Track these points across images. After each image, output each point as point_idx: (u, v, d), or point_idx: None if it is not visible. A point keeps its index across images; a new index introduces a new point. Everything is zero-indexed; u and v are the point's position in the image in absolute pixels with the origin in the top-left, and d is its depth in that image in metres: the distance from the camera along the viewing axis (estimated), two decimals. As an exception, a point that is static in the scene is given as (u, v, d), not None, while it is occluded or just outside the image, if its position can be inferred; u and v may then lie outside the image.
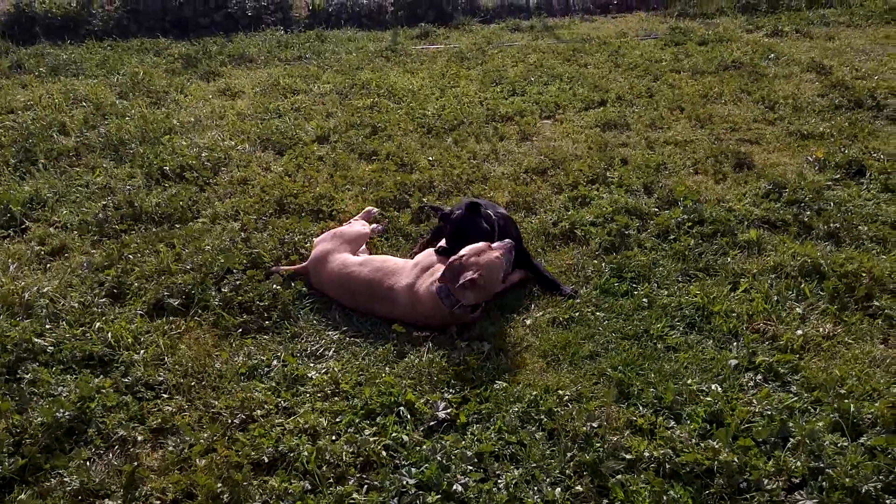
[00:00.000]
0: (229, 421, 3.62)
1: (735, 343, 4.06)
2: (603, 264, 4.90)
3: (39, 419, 3.52)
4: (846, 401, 3.44)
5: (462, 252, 4.30)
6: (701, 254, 4.96)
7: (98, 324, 4.33)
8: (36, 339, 4.13)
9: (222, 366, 4.06)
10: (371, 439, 3.40)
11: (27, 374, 3.91)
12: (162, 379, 3.93)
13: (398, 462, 3.29)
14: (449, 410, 3.58)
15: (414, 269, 4.55)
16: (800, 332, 4.07)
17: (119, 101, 8.94)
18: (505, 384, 3.77)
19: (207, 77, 10.40)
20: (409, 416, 3.55)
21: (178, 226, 5.68)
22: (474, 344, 4.16)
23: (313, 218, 5.76)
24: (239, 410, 3.67)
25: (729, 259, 4.88)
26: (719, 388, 3.62)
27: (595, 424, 3.41)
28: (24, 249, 5.37)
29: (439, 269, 4.42)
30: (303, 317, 4.50)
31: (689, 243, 5.02)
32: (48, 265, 5.19)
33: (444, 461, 3.20)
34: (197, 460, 3.36)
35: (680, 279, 4.72)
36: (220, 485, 3.15)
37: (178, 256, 5.07)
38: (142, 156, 7.00)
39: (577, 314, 4.38)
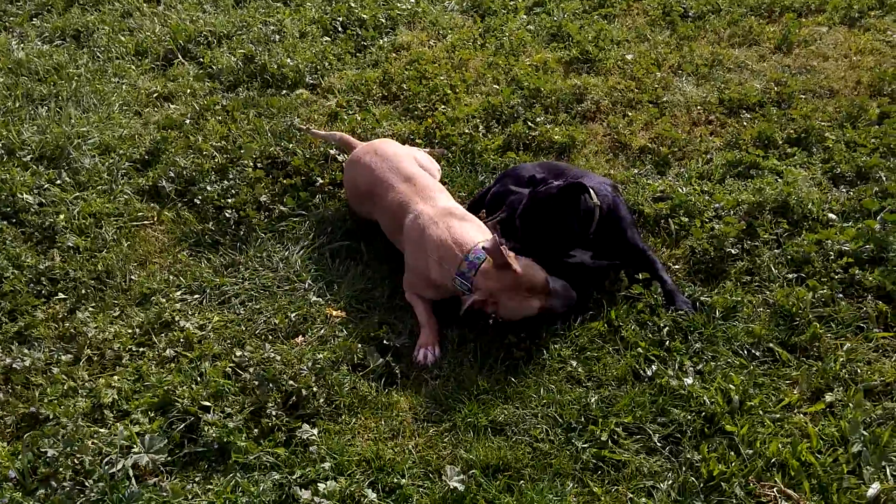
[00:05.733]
0: (55, 356, 3.24)
1: (695, 505, 2.42)
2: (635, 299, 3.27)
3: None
4: None
5: (518, 258, 3.16)
6: (823, 320, 3.03)
7: (84, 194, 4.16)
8: (25, 195, 4.09)
9: (139, 278, 3.66)
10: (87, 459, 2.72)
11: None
12: (73, 276, 3.65)
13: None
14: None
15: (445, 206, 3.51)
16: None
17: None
18: (314, 434, 2.76)
19: None
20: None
21: (284, 92, 5.17)
22: (371, 353, 3.13)
23: (411, 117, 4.79)
24: (73, 344, 3.27)
25: (848, 346, 2.90)
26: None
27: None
28: (148, 87, 5.34)
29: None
30: (256, 245, 3.80)
31: (804, 297, 3.08)
32: (150, 109, 5.11)
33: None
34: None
35: (745, 357, 2.95)
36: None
37: (228, 132, 4.61)
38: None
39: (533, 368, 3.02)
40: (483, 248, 3.13)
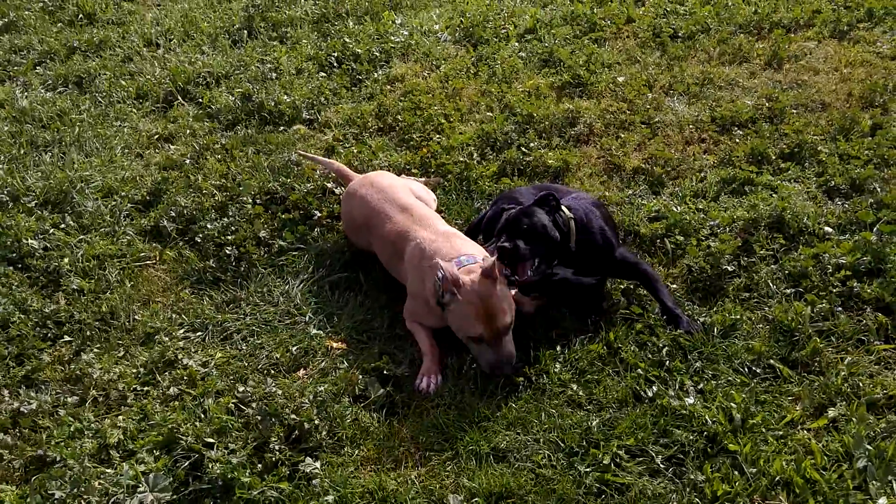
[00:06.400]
0: (62, 399, 3.26)
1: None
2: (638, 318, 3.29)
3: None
4: None
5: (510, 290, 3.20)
6: (823, 335, 3.03)
7: (87, 236, 4.21)
8: (30, 241, 4.14)
9: (142, 318, 3.69)
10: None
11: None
12: (77, 319, 3.68)
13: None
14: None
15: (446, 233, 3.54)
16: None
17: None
18: (317, 468, 2.77)
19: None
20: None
21: (281, 128, 5.24)
22: (372, 384, 3.14)
23: (407, 147, 4.84)
24: (79, 386, 3.30)
25: (849, 360, 2.89)
26: None
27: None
28: (149, 129, 5.42)
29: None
30: (257, 280, 3.84)
31: (803, 312, 3.08)
32: (151, 150, 5.17)
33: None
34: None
35: (746, 374, 2.95)
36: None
37: (227, 170, 4.67)
38: (337, 33, 6.55)
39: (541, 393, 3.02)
40: (485, 256, 3.21)
